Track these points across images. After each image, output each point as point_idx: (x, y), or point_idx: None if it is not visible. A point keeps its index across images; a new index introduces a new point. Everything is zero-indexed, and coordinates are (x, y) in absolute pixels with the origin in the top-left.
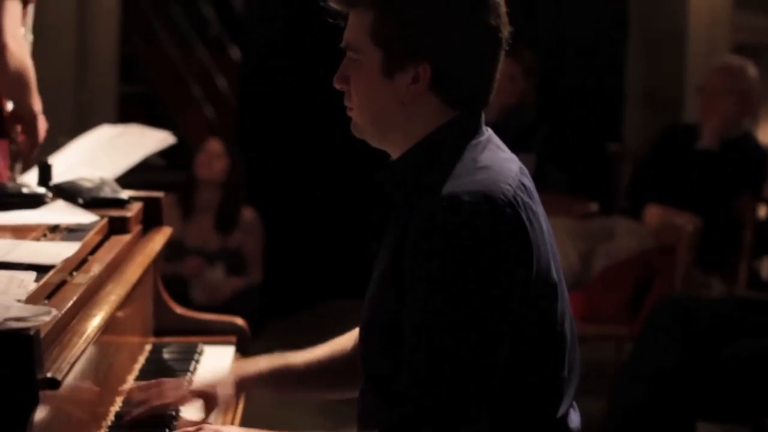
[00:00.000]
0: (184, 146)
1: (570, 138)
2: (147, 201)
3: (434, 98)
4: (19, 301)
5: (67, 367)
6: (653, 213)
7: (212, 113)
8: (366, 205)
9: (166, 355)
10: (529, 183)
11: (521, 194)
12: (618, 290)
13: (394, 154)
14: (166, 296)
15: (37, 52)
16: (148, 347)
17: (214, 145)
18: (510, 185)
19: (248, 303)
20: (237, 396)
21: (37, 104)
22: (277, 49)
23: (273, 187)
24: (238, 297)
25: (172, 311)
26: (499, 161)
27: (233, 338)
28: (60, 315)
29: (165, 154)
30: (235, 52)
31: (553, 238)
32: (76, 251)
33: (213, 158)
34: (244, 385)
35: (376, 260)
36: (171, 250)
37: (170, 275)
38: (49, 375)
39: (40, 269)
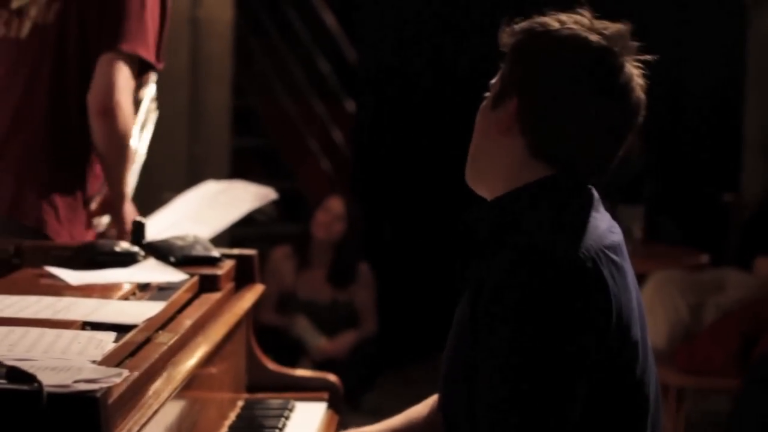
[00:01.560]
0: (301, 199)
1: (683, 187)
2: (239, 259)
3: (521, 140)
4: (93, 362)
5: (137, 428)
6: (764, 264)
7: (329, 166)
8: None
9: (256, 412)
10: (618, 239)
11: (605, 251)
12: (726, 342)
13: (488, 197)
14: (258, 352)
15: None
16: (240, 403)
17: (336, 205)
18: (594, 242)
19: (363, 355)
20: None
21: (128, 186)
22: (389, 100)
23: (386, 239)
24: (352, 350)
25: (265, 367)
26: (587, 219)
27: (326, 395)
28: (136, 376)
29: (282, 206)
30: (350, 105)
31: (641, 298)
32: (160, 311)
33: (333, 219)
34: None
35: (457, 308)
36: (283, 301)
37: (282, 329)
38: None
39: (122, 329)
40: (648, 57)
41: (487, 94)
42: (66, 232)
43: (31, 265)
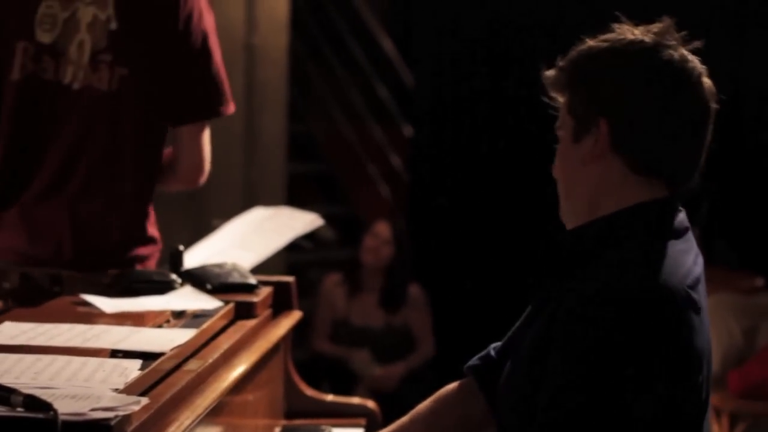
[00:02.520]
0: (360, 224)
1: (739, 210)
2: (277, 285)
3: (618, 161)
4: (115, 390)
5: None
6: None
7: (387, 191)
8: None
9: None
10: (699, 272)
11: (689, 292)
12: None
13: (578, 222)
14: (296, 378)
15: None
16: (277, 430)
17: (382, 229)
18: (679, 281)
19: (421, 378)
20: None
21: None
22: (447, 125)
23: (443, 262)
24: (407, 376)
25: (303, 394)
26: (676, 254)
27: (363, 421)
28: (160, 404)
29: (340, 231)
30: (407, 129)
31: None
32: (190, 338)
33: (381, 244)
34: None
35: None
36: (336, 328)
37: (337, 359)
38: None
39: (150, 357)
40: (697, 44)
41: (559, 132)
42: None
43: (71, 293)
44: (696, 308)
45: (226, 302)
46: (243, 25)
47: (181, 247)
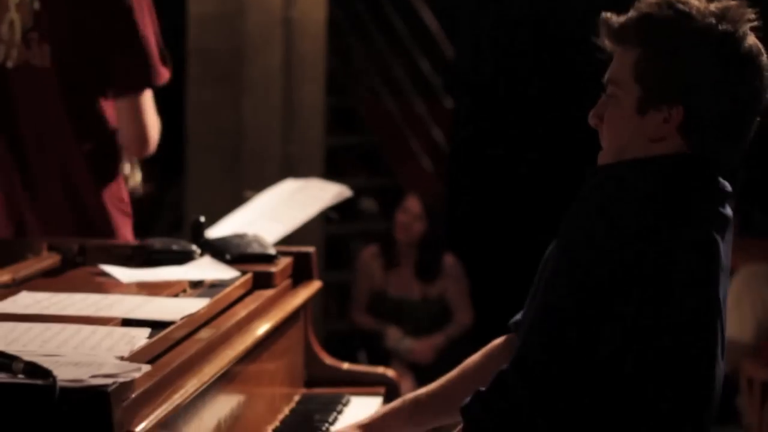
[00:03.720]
0: (402, 195)
1: None
2: (297, 256)
3: (680, 141)
4: (120, 358)
5: (153, 423)
6: None
7: (428, 163)
8: None
9: (310, 406)
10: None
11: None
12: None
13: None
14: (317, 348)
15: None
16: (296, 398)
17: (413, 204)
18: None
19: (460, 348)
20: None
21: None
22: (488, 97)
23: (483, 233)
24: (443, 348)
25: (323, 362)
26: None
27: (382, 389)
28: (166, 371)
29: (383, 203)
30: (448, 102)
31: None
32: (203, 307)
33: (412, 219)
34: (374, 428)
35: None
36: (374, 300)
37: (374, 332)
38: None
39: (160, 326)
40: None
41: (612, 88)
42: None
43: (94, 264)
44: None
45: (245, 272)
46: None
47: (202, 218)
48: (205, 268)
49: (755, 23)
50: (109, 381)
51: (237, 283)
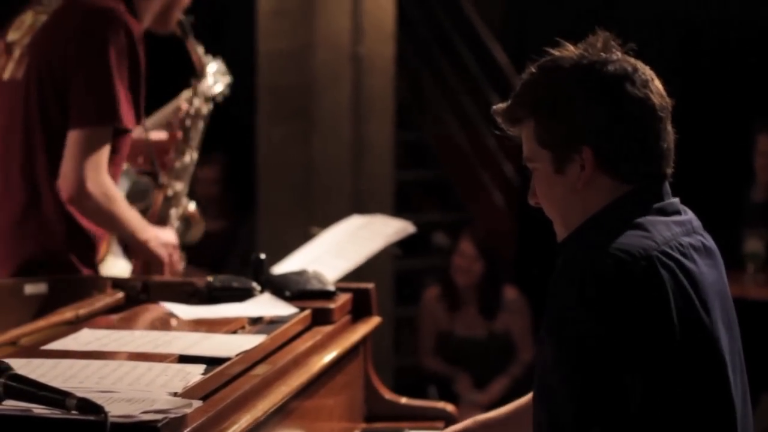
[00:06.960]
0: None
1: None
2: (356, 292)
3: (606, 178)
4: (173, 394)
5: None
6: None
7: (500, 198)
8: None
9: None
10: (696, 242)
11: (670, 252)
12: None
13: None
14: (377, 383)
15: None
16: None
17: (467, 247)
18: (656, 242)
19: (525, 385)
20: None
21: (135, 229)
22: None
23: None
24: (514, 383)
25: (382, 397)
26: (654, 223)
27: (441, 424)
28: (221, 407)
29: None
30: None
31: (731, 306)
32: (260, 343)
33: (470, 262)
34: None
35: None
36: (441, 341)
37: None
38: None
39: (216, 362)
40: (632, 45)
41: (531, 165)
42: None
43: (157, 301)
44: (681, 268)
45: (303, 309)
46: (349, 34)
47: (262, 256)
48: (265, 305)
49: (616, 46)
50: (159, 417)
51: (295, 319)
